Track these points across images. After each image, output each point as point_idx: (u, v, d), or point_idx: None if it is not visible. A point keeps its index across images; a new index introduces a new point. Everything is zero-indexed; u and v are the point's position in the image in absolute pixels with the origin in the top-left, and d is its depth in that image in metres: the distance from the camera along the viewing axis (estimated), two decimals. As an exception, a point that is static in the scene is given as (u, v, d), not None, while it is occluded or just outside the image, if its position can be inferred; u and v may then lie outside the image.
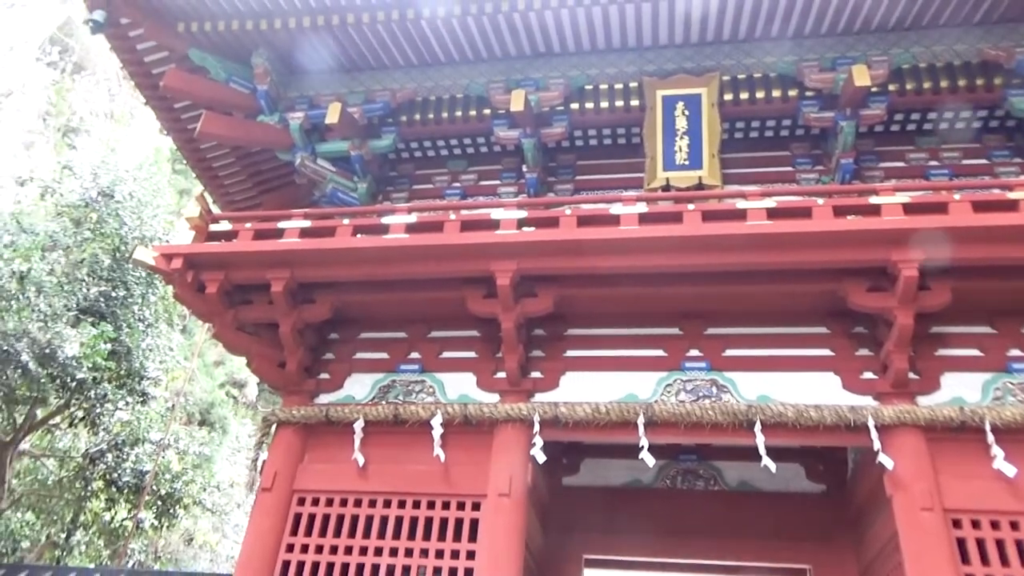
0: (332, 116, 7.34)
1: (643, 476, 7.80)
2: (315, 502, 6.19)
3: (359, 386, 6.80)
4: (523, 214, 6.19)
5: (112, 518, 11.50)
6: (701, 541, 7.33)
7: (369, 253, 6.16)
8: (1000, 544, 5.18)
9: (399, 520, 5.97)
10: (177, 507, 11.58)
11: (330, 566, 5.85)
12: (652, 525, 7.43)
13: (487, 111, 7.65)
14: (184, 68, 7.62)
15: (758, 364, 6.22)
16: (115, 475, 10.66)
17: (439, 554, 5.76)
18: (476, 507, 5.88)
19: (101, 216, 10.60)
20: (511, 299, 6.02)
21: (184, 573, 7.59)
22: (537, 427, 6.00)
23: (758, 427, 5.73)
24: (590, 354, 6.53)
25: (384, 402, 6.58)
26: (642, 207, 6.01)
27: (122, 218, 10.66)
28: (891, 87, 6.87)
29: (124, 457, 10.73)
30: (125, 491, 10.76)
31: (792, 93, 7.06)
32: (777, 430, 5.77)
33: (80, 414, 10.73)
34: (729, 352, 6.33)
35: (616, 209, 6.05)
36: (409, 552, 5.80)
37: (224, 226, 6.85)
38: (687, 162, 7.13)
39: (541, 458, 5.89)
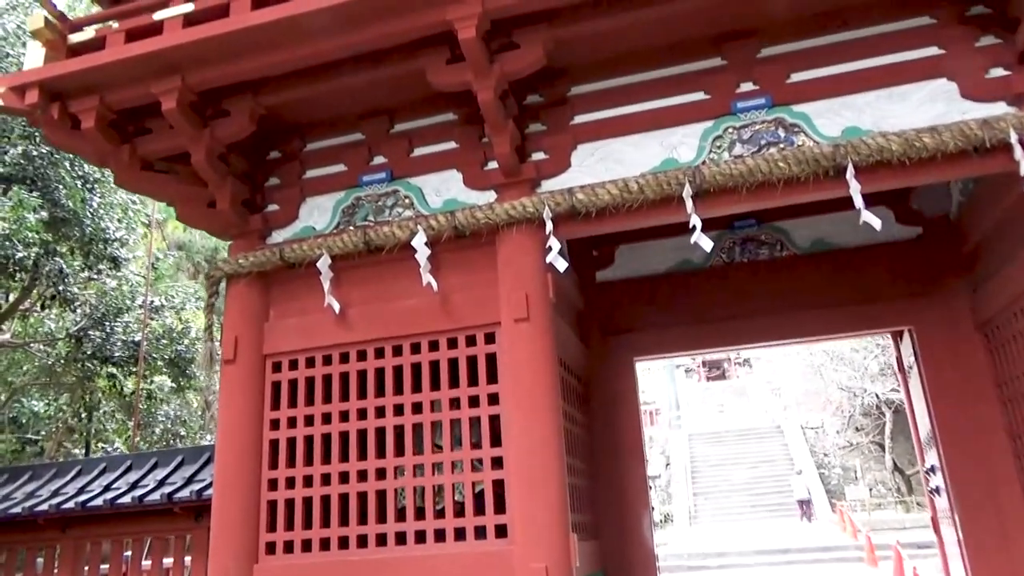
0: None
1: (692, 255, 6.43)
2: (293, 365, 4.95)
3: (318, 212, 5.29)
4: (479, -72, 4.22)
5: (121, 391, 10.77)
6: (774, 319, 6.11)
7: (276, 30, 4.33)
8: None
9: (398, 371, 4.73)
10: (191, 367, 10.75)
11: (327, 438, 4.73)
12: (711, 310, 6.21)
13: None
14: None
15: (837, 86, 4.50)
16: (106, 351, 9.72)
17: (454, 404, 4.56)
18: (490, 339, 4.58)
19: (-14, 59, 8.69)
20: (484, 58, 4.25)
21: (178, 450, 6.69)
22: (550, 225, 4.51)
23: (851, 173, 4.15)
24: (605, 115, 4.84)
25: (351, 227, 5.10)
26: None
27: (16, 58, 8.73)
28: None
29: (110, 331, 9.69)
30: (121, 365, 9.88)
31: None
32: (877, 171, 4.19)
33: (52, 293, 9.56)
34: (796, 77, 4.59)
35: None
36: (418, 407, 4.61)
37: (88, 34, 5.00)
38: None
39: (562, 265, 4.46)
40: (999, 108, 4.18)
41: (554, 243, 4.46)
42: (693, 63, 4.77)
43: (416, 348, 4.71)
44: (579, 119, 4.90)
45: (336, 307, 4.82)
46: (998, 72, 4.26)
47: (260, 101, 4.90)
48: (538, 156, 4.87)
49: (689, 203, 4.32)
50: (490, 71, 4.32)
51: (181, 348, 10.62)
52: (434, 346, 4.68)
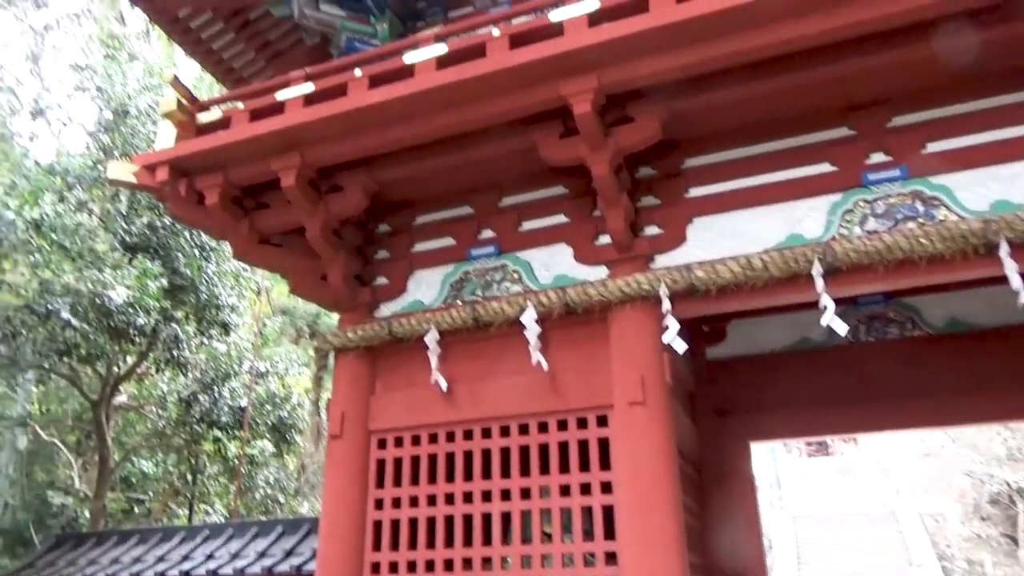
0: (317, -65, 5.43)
1: (812, 333, 6.02)
2: (398, 442, 4.85)
3: (426, 286, 5.26)
4: (595, 4, 4.19)
5: (225, 455, 11.01)
6: (904, 404, 5.61)
7: (392, 108, 4.40)
8: None
9: (505, 452, 4.54)
10: (291, 432, 10.91)
11: (431, 521, 4.57)
12: (835, 392, 5.75)
13: None
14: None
15: (980, 156, 4.16)
16: (214, 416, 9.99)
17: (564, 490, 4.32)
18: (601, 422, 4.35)
19: (124, 138, 9.35)
20: (599, 132, 4.17)
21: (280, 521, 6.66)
22: (667, 303, 4.29)
23: (1005, 251, 3.77)
24: (723, 188, 4.64)
25: (459, 302, 5.03)
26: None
27: (146, 135, 9.36)
28: None
29: (218, 395, 9.98)
30: (227, 429, 10.11)
31: None
32: (1033, 247, 3.79)
33: (167, 357, 9.96)
34: (932, 147, 4.28)
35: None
36: (526, 493, 4.39)
37: (214, 114, 5.25)
38: None
39: (680, 346, 4.22)
40: None
41: (671, 323, 4.24)
42: (817, 133, 4.54)
43: (524, 429, 4.53)
44: (695, 192, 4.72)
45: (443, 384, 4.72)
46: None
47: (373, 176, 4.97)
48: (652, 231, 4.71)
49: (819, 282, 4.03)
50: (605, 145, 4.23)
51: (283, 414, 10.83)
52: (543, 428, 4.49)
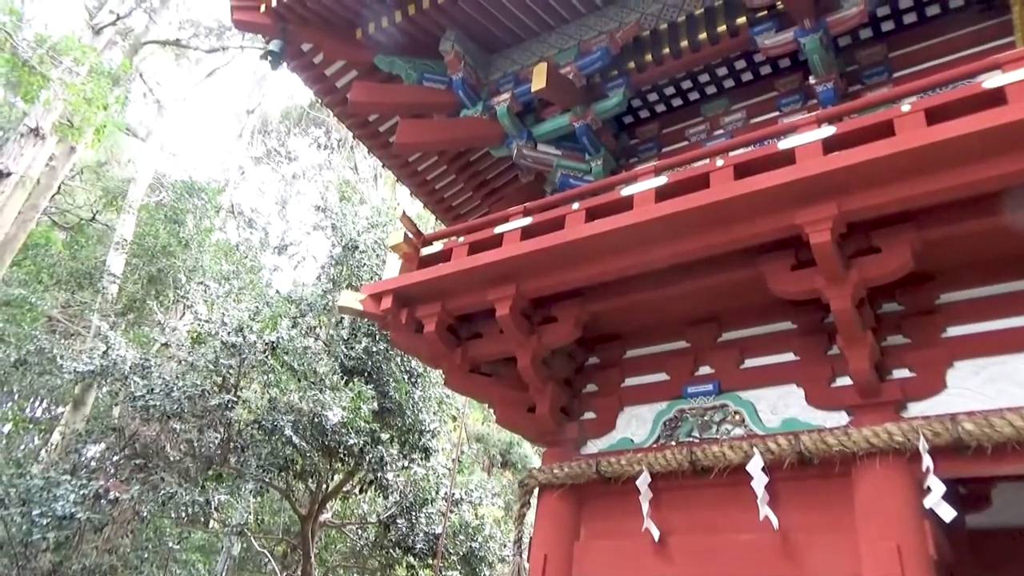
0: (538, 81, 5.69)
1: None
2: (603, 597, 4.44)
3: (636, 423, 4.96)
4: (830, 130, 3.93)
5: (419, 583, 10.95)
6: None
7: (609, 240, 4.33)
8: None
9: (728, 622, 3.98)
10: (481, 566, 10.65)
11: None
12: None
13: (741, 19, 5.48)
14: (374, 80, 6.63)
15: None
16: (409, 541, 10.02)
17: None
18: (848, 599, 3.68)
19: (351, 270, 10.20)
20: (839, 263, 3.79)
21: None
22: (928, 460, 3.65)
23: None
24: (992, 327, 3.98)
25: (674, 443, 4.66)
26: (1049, 62, 3.44)
27: (370, 267, 10.15)
28: None
29: (414, 521, 10.03)
30: (421, 556, 10.06)
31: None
32: None
33: (371, 478, 10.27)
34: None
35: (993, 80, 3.54)
36: (754, 676, 3.78)
37: (436, 247, 5.50)
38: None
39: (947, 513, 3.54)
40: None
41: (935, 483, 3.58)
42: (1113, 265, 3.82)
43: (751, 597, 3.96)
44: (954, 331, 4.10)
45: (655, 533, 4.30)
46: None
47: (586, 308, 4.87)
48: (901, 374, 4.12)
49: None
50: (846, 277, 3.83)
51: (475, 544, 10.64)
52: (774, 598, 3.89)
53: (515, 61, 6.48)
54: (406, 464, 10.27)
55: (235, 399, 8.37)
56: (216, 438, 8.58)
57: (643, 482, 4.44)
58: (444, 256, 5.29)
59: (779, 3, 5.15)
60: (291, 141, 27.21)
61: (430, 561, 10.13)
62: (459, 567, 10.75)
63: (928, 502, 3.58)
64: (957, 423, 3.66)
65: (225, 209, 19.01)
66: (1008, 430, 3.54)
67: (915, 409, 3.97)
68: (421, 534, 10.08)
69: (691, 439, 4.61)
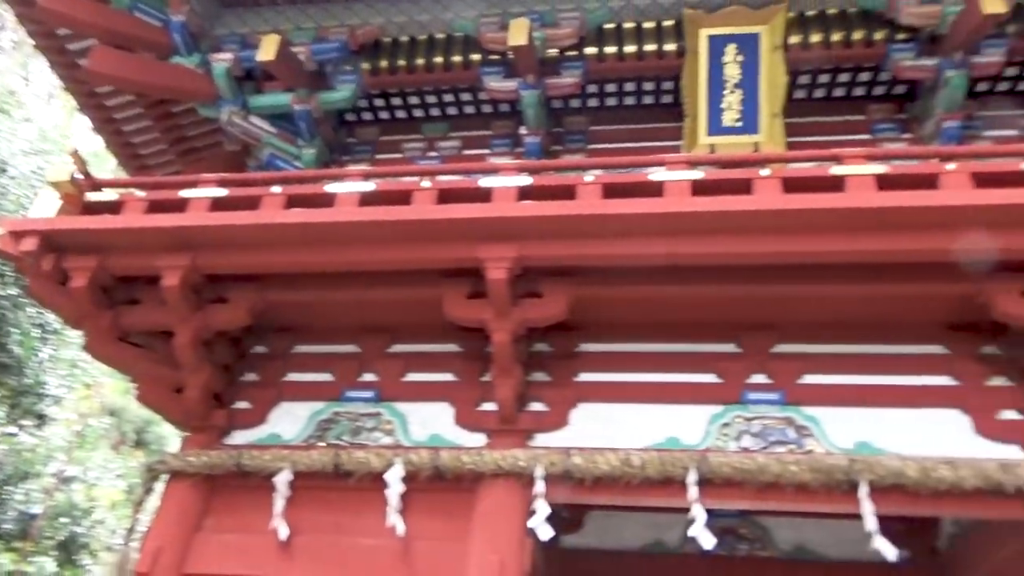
0: (267, 52, 5.47)
1: (667, 536, 6.05)
2: (215, 593, 4.26)
3: (289, 420, 4.88)
4: (526, 180, 4.35)
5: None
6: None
7: (307, 232, 4.27)
8: None
9: (337, 623, 4.06)
10: (82, 553, 9.48)
11: None
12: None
13: (475, 56, 5.85)
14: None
15: (850, 396, 4.44)
16: (-4, 519, 8.59)
17: None
18: (449, 604, 4.00)
19: (-11, 196, 8.61)
20: (507, 300, 4.18)
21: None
22: (541, 485, 4.14)
23: (864, 491, 3.93)
24: (612, 378, 4.69)
25: (322, 444, 4.68)
26: (696, 173, 4.22)
27: (17, 198, 8.66)
28: None
29: (6, 496, 8.63)
30: (7, 539, 8.67)
31: (879, 36, 5.34)
32: (890, 495, 3.96)
33: (-39, 441, 8.64)
34: (808, 379, 4.54)
35: (658, 175, 4.24)
36: (350, 675, 3.90)
37: (108, 195, 4.92)
38: (739, 123, 5.38)
39: (546, 533, 4.04)
40: (1014, 451, 4.10)
41: (541, 507, 4.07)
42: (707, 344, 4.72)
43: (364, 599, 4.09)
44: (584, 377, 4.74)
45: (283, 532, 4.25)
46: (1011, 415, 4.25)
47: (263, 295, 4.71)
48: (537, 407, 4.64)
49: (693, 490, 4.02)
50: (511, 314, 4.23)
51: (79, 529, 9.43)
52: (385, 603, 4.07)
53: (246, 23, 6.10)
54: (12, 432, 8.82)
55: None
56: None
57: (282, 480, 4.38)
58: (115, 207, 4.77)
59: (511, 53, 5.57)
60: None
61: (16, 545, 8.74)
62: (55, 553, 9.43)
63: (531, 523, 4.04)
64: (570, 456, 4.21)
65: None
66: (606, 467, 4.16)
67: (540, 440, 4.48)
68: (15, 513, 8.67)
69: (340, 442, 4.66)
